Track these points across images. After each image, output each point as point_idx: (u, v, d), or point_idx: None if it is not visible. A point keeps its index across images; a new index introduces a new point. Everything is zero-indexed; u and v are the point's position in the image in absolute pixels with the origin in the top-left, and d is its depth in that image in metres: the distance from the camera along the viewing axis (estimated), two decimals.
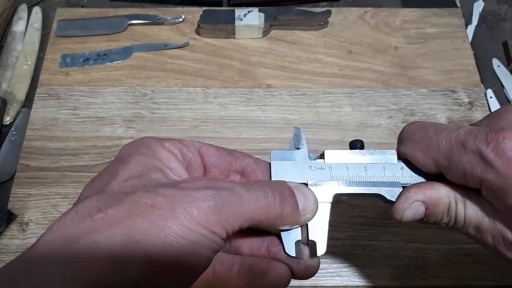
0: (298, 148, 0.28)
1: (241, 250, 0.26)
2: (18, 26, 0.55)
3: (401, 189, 0.26)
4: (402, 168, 0.27)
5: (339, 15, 0.56)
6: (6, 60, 0.53)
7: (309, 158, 0.28)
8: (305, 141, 0.28)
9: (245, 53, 0.53)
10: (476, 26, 0.57)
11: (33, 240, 0.42)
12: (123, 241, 0.19)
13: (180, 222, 0.19)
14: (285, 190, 0.24)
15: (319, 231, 0.26)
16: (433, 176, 0.26)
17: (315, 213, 0.25)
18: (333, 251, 0.42)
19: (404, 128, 0.28)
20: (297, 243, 0.25)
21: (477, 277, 0.41)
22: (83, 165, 0.46)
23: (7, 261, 0.42)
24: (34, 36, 0.55)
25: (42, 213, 0.43)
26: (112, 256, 0.19)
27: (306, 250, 0.25)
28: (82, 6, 0.58)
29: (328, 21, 0.55)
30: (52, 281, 0.18)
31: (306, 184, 0.26)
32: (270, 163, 0.28)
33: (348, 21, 0.56)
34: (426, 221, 0.26)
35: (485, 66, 0.55)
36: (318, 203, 0.26)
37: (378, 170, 0.27)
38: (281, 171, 0.27)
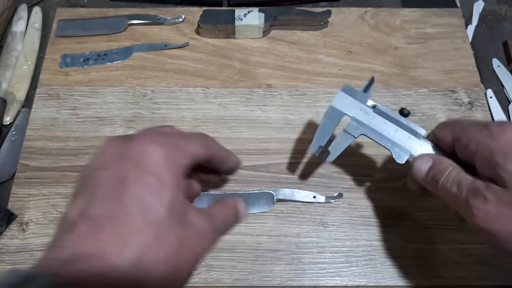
0: (365, 92, 0.38)
1: None
2: (18, 26, 0.55)
3: (408, 155, 0.36)
4: (421, 145, 0.36)
5: (339, 15, 0.56)
6: (6, 60, 0.53)
7: (366, 103, 0.37)
8: (372, 90, 0.38)
9: (245, 53, 0.53)
10: (476, 26, 0.57)
11: (33, 240, 0.42)
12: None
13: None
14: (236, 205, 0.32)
15: (337, 149, 0.37)
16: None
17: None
18: (333, 251, 0.42)
19: (443, 121, 0.37)
20: (319, 147, 0.37)
21: (478, 277, 0.41)
22: (83, 165, 0.46)
23: (7, 261, 0.42)
24: (34, 36, 0.55)
25: (42, 213, 0.43)
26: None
27: (321, 154, 0.37)
28: (82, 6, 0.58)
29: (328, 21, 0.55)
30: None
31: (350, 116, 0.37)
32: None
33: (348, 21, 0.56)
34: (425, 177, 0.34)
35: (485, 66, 0.55)
36: (349, 134, 0.37)
37: (404, 136, 0.36)
38: (341, 101, 0.37)
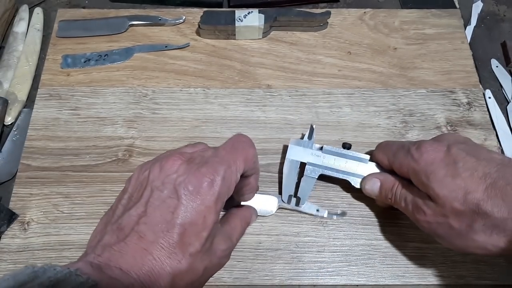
0: (309, 139, 0.44)
1: None
2: (20, 27, 0.56)
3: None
4: (369, 168, 0.42)
5: (338, 16, 0.56)
6: (7, 61, 0.53)
7: (313, 147, 0.44)
8: (314, 136, 0.44)
9: (245, 54, 0.53)
10: (475, 26, 0.58)
11: (34, 240, 0.42)
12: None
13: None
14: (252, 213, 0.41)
15: (305, 192, 0.43)
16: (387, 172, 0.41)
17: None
18: (332, 250, 0.42)
19: (379, 144, 0.43)
20: (289, 196, 0.43)
21: (476, 276, 0.41)
22: (85, 165, 0.46)
23: (8, 260, 0.42)
24: (35, 37, 0.55)
25: (44, 213, 0.44)
26: None
27: (293, 200, 0.43)
28: (83, 7, 0.59)
29: (327, 22, 0.55)
30: None
31: (305, 164, 0.43)
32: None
33: (348, 22, 0.56)
34: (379, 195, 0.40)
35: (484, 66, 0.55)
36: (310, 177, 0.43)
37: (353, 165, 0.42)
38: (293, 152, 0.43)
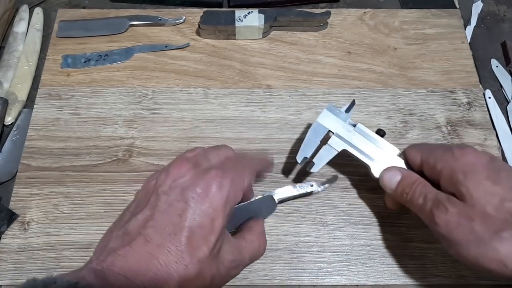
0: (347, 111, 0.42)
1: None
2: (20, 27, 0.56)
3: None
4: (395, 162, 0.40)
5: (338, 16, 0.56)
6: (7, 61, 0.53)
7: (348, 122, 0.41)
8: (352, 111, 0.42)
9: (245, 54, 0.53)
10: (475, 26, 0.58)
11: (34, 240, 0.42)
12: None
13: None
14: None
15: (321, 160, 0.40)
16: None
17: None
18: (332, 250, 0.42)
19: (413, 144, 0.41)
20: (305, 158, 0.41)
21: (476, 276, 0.41)
22: (85, 165, 0.46)
23: (8, 260, 0.42)
24: (35, 37, 0.55)
25: (44, 213, 0.44)
26: None
27: (306, 164, 0.41)
28: (83, 7, 0.59)
29: (327, 22, 0.55)
30: None
31: (333, 133, 0.41)
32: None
33: (348, 22, 0.56)
34: (395, 189, 0.38)
35: (484, 66, 0.55)
36: (332, 148, 0.41)
37: (380, 153, 0.40)
38: (325, 118, 0.41)
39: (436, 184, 0.36)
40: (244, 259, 0.33)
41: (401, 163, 0.40)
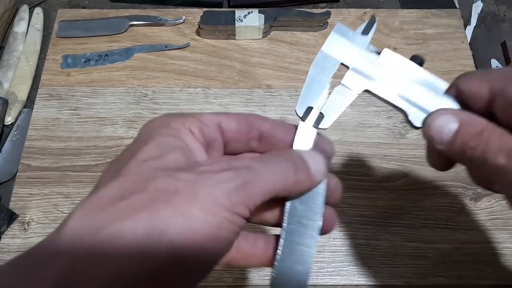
0: (364, 34, 0.28)
1: (264, 221, 0.27)
2: (20, 27, 0.56)
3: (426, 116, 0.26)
4: (443, 102, 0.26)
5: (338, 16, 0.56)
6: (7, 61, 0.53)
7: (368, 48, 0.27)
8: (373, 33, 0.27)
9: (245, 54, 0.53)
10: (475, 26, 0.58)
11: (34, 240, 0.42)
12: (147, 229, 0.18)
13: (203, 206, 0.19)
14: (296, 158, 0.24)
15: (333, 110, 0.27)
16: None
17: (326, 174, 0.24)
18: (332, 250, 0.42)
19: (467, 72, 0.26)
20: (309, 108, 0.27)
21: (476, 276, 0.41)
22: (85, 165, 0.46)
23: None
24: (35, 37, 0.55)
25: (44, 213, 0.44)
26: (137, 245, 0.18)
27: (313, 117, 0.27)
28: (83, 7, 0.59)
29: (327, 22, 0.55)
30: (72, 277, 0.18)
31: (348, 68, 0.27)
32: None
33: (348, 22, 0.56)
34: (452, 142, 0.24)
35: (484, 66, 0.55)
36: (348, 88, 0.27)
37: (420, 90, 0.26)
38: (334, 45, 0.27)
39: None
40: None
41: (451, 104, 0.26)
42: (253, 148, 0.26)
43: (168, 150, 0.22)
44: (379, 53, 0.27)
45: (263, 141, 0.26)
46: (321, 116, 0.27)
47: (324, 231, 0.25)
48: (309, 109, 0.27)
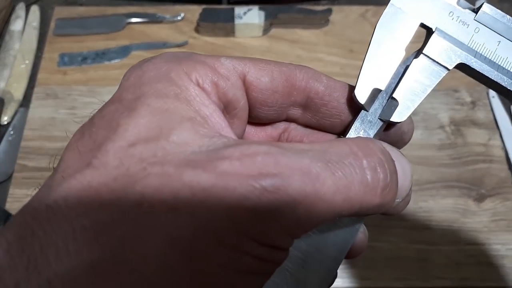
0: None
1: None
2: (16, 25, 0.55)
3: None
4: None
5: (340, 14, 0.55)
6: (3, 59, 0.53)
7: (459, 3, 0.19)
8: None
9: (245, 52, 0.53)
10: None
11: None
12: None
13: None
14: (385, 160, 0.15)
15: (412, 93, 0.18)
16: None
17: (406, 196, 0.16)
18: None
19: None
20: (375, 90, 0.18)
21: (479, 278, 0.41)
22: None
23: None
24: (32, 35, 0.54)
25: None
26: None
27: (381, 104, 0.18)
28: (80, 5, 0.58)
29: (329, 20, 0.54)
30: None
31: (431, 31, 0.18)
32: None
33: (349, 19, 0.55)
34: None
35: None
36: (435, 62, 0.19)
37: None
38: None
39: None
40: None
41: None
42: (293, 117, 0.18)
43: (169, 125, 0.14)
44: (476, 11, 0.19)
45: (309, 109, 0.18)
46: (393, 104, 0.18)
47: (350, 256, 0.18)
48: (376, 93, 0.18)
